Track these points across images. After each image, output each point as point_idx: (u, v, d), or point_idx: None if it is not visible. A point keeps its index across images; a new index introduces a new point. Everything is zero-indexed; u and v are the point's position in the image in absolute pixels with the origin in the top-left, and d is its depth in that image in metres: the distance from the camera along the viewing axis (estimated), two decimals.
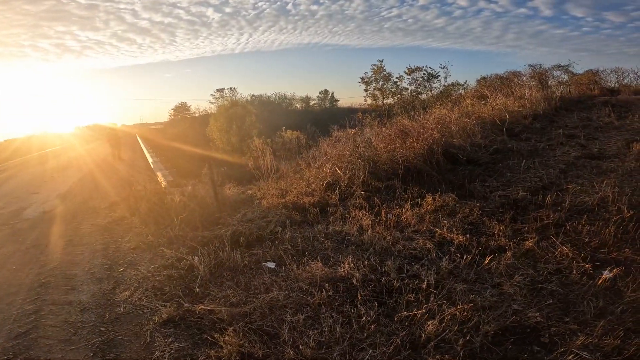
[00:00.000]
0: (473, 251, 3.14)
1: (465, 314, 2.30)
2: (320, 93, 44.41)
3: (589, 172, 5.09)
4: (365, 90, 25.14)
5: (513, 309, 2.37)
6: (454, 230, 3.58)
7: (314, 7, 60.35)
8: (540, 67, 16.33)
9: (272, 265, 3.31)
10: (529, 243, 3.17)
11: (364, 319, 2.36)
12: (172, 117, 45.34)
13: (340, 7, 60.70)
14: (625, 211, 3.49)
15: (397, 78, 23.98)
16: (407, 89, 23.51)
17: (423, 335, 2.17)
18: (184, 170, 10.58)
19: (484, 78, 19.32)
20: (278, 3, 60.67)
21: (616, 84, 16.82)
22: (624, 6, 45.29)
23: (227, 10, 64.62)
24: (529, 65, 16.57)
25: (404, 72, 23.49)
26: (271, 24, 64.96)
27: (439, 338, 2.14)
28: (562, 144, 6.57)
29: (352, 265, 2.99)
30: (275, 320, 2.45)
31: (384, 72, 24.55)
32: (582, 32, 49.67)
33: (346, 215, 4.29)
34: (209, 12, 62.44)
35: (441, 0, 55.18)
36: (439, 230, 3.63)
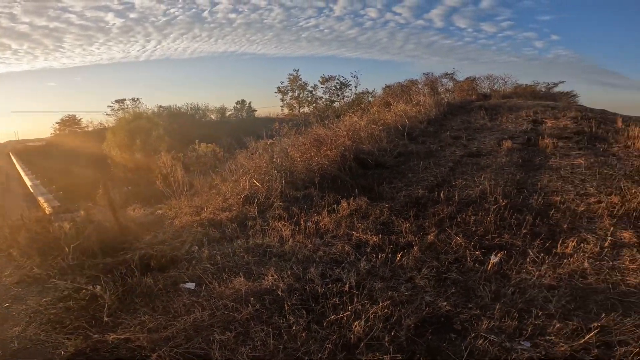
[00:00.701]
0: (386, 250, 3.39)
1: (386, 310, 2.46)
2: (236, 103, 42.91)
3: (471, 168, 6.00)
4: (282, 100, 25.38)
5: (426, 300, 2.62)
6: (368, 231, 3.83)
7: (232, 15, 58.95)
8: (432, 76, 18.68)
9: (191, 285, 3.13)
10: (430, 237, 3.56)
11: (294, 328, 2.37)
12: (58, 132, 38.91)
13: (259, 16, 60.43)
14: (501, 200, 4.19)
15: (312, 87, 24.81)
16: (321, 97, 24.49)
17: (352, 336, 2.26)
18: (76, 193, 9.12)
19: (388, 86, 21.25)
20: (193, 10, 57.52)
21: (488, 90, 20.14)
22: (495, 17, 55.04)
23: (132, 15, 58.82)
24: (423, 73, 18.80)
25: (319, 81, 24.46)
26: (184, 31, 61.23)
27: (369, 337, 2.25)
28: (449, 144, 7.63)
29: (275, 276, 2.99)
30: (203, 341, 2.33)
31: (300, 82, 25.15)
32: (465, 42, 58.85)
33: (266, 227, 4.26)
34: (109, 17, 55.98)
35: (354, 11, 59.54)
36: (355, 233, 3.84)
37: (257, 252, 3.67)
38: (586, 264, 2.91)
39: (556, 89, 21.46)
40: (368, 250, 3.47)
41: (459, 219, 3.94)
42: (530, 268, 2.95)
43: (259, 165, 6.05)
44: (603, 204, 4.04)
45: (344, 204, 4.55)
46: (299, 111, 23.72)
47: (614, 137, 7.82)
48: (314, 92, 24.59)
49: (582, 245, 3.23)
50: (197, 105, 39.57)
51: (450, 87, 20.00)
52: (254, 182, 5.59)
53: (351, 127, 7.52)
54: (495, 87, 20.42)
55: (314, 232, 4.01)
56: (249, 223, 4.47)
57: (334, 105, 22.83)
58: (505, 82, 20.48)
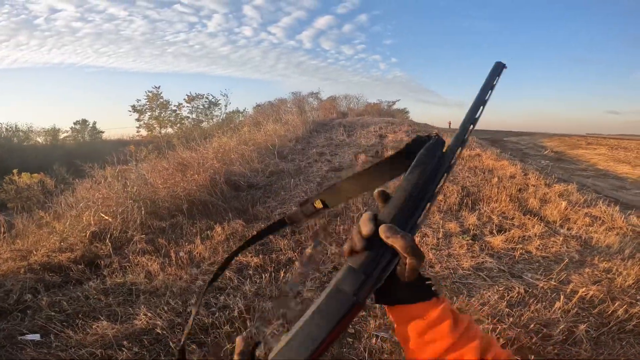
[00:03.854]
0: (269, 269, 3.38)
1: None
2: (75, 123, 35.03)
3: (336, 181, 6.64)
4: (138, 120, 22.24)
5: None
6: (247, 254, 3.72)
7: (77, 24, 48.39)
8: (300, 95, 20.04)
9: (35, 337, 2.56)
10: (308, 250, 3.74)
11: None
12: None
13: (115, 27, 51.50)
14: (361, 208, 4.75)
15: (175, 106, 22.67)
16: (187, 117, 22.66)
17: None
18: None
19: (258, 105, 21.61)
20: (22, 16, 44.52)
21: (346, 108, 22.93)
22: (353, 40, 63.37)
23: None
24: (292, 92, 19.95)
25: (184, 99, 22.55)
26: (4, 37, 46.86)
27: None
28: (316, 161, 8.27)
29: (149, 314, 2.62)
30: None
31: (162, 100, 22.57)
32: (328, 63, 65.49)
33: (127, 264, 3.69)
34: None
35: (229, 29, 58.15)
36: (234, 257, 3.68)
37: (119, 292, 3.16)
38: (431, 255, 3.59)
39: (394, 107, 26.31)
40: (250, 272, 3.37)
41: (330, 230, 4.27)
42: None
43: (108, 196, 5.15)
44: None
45: (218, 228, 4.32)
46: (159, 132, 21.25)
47: None
48: (178, 112, 22.56)
49: (424, 239, 3.98)
50: (16, 125, 30.68)
51: (315, 105, 21.70)
52: (102, 216, 4.72)
53: (220, 148, 7.26)
54: (351, 105, 23.53)
55: (188, 262, 3.66)
56: (103, 262, 3.79)
57: (201, 125, 21.49)
58: (359, 100, 23.88)
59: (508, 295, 2.84)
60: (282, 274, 3.27)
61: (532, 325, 2.47)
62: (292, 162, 7.97)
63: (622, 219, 4.48)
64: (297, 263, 3.52)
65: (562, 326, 2.43)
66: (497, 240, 3.85)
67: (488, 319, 2.53)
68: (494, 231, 4.13)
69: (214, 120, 22.02)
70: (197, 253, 3.84)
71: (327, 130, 13.80)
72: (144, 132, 21.59)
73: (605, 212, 4.69)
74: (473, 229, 4.23)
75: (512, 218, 4.55)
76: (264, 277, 3.23)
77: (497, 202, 5.07)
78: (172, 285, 3.19)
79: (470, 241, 3.87)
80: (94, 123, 35.77)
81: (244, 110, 23.22)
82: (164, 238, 4.27)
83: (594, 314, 2.62)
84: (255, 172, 6.97)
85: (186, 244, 4.07)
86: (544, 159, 12.55)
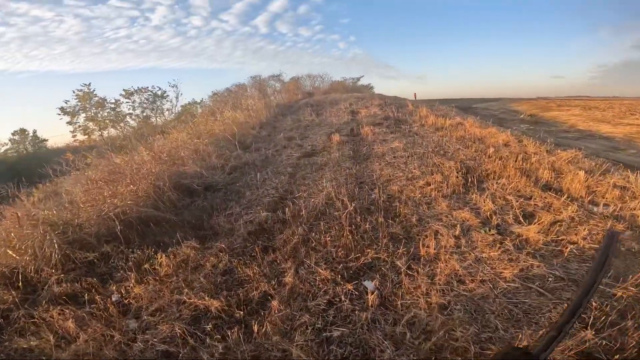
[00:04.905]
0: (237, 316, 2.38)
1: None
2: (13, 134, 31.02)
3: (311, 169, 5.59)
4: (70, 124, 19.51)
5: None
6: (204, 293, 2.67)
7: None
8: (259, 78, 18.87)
9: None
10: (288, 279, 2.69)
11: None
12: None
13: (43, 29, 46.14)
14: (349, 204, 3.74)
15: (113, 103, 19.98)
16: (130, 114, 20.18)
17: None
18: None
19: (215, 93, 19.99)
20: None
21: (311, 88, 22.24)
22: (310, 21, 61.70)
23: None
24: (250, 77, 18.69)
25: (120, 95, 19.96)
26: None
27: None
28: (285, 147, 7.17)
29: None
30: None
31: (96, 98, 19.82)
32: (287, 46, 63.46)
33: (36, 320, 2.59)
34: None
35: (176, 20, 54.40)
36: (187, 300, 2.63)
37: None
38: (456, 265, 2.65)
39: (359, 83, 25.75)
40: (210, 325, 2.32)
41: (313, 241, 3.21)
42: (409, 287, 2.46)
43: (20, 224, 3.88)
44: (432, 186, 4.21)
45: (162, 259, 3.18)
46: (101, 135, 18.77)
47: (411, 118, 9.26)
48: (117, 109, 19.98)
49: (439, 238, 3.05)
50: None
51: (278, 88, 20.77)
52: (8, 253, 3.49)
53: (165, 146, 5.97)
54: (316, 84, 22.76)
55: (122, 311, 2.63)
56: (11, 316, 2.72)
57: (150, 122, 19.15)
58: (323, 79, 23.19)
59: (589, 318, 1.96)
60: (255, 326, 2.22)
61: None
62: (257, 152, 6.81)
63: None
64: (275, 302, 2.47)
65: None
66: (531, 232, 2.97)
67: None
68: (520, 218, 3.28)
69: (166, 114, 19.90)
70: (134, 297, 2.77)
71: (294, 112, 12.71)
72: (80, 137, 19.09)
73: (631, 180, 3.98)
74: (493, 218, 3.36)
75: (531, 197, 3.74)
76: (232, 330, 2.21)
77: (506, 178, 4.25)
78: (98, 355, 2.19)
79: (497, 236, 3.00)
80: (34, 132, 31.98)
81: (202, 100, 21.32)
82: (93, 276, 3.15)
83: None
84: (214, 169, 5.77)
85: (119, 283, 2.99)
86: (522, 123, 12.28)
